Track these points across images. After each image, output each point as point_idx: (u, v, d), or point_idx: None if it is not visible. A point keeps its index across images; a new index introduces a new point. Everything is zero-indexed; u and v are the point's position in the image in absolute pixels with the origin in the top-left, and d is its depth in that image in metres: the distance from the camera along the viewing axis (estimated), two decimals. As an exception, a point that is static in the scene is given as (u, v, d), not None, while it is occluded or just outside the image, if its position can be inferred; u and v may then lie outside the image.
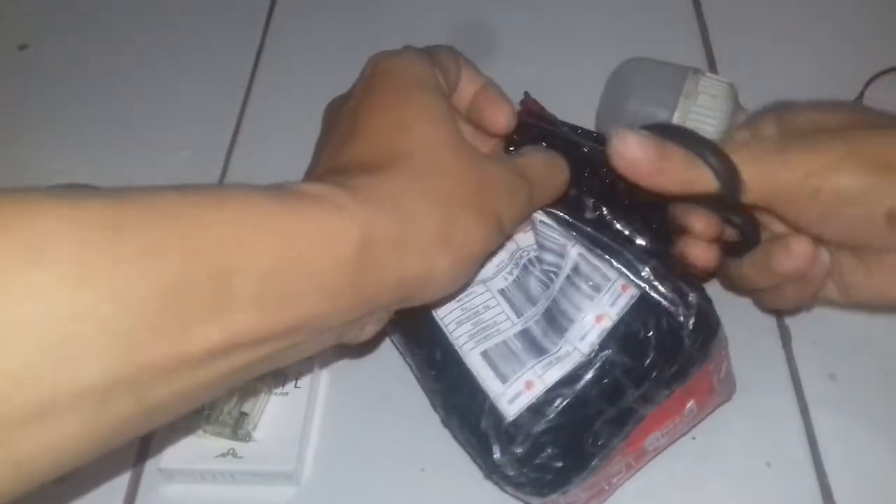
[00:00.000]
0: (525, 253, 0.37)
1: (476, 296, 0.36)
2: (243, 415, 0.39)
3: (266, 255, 0.24)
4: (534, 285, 0.36)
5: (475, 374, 0.35)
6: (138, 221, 0.22)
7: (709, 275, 0.39)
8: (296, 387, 0.41)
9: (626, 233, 0.36)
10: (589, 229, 0.36)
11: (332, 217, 0.26)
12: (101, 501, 0.40)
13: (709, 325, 0.35)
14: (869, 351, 0.42)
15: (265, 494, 0.39)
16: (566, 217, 0.36)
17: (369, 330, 0.31)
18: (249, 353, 0.24)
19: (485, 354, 0.35)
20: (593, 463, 0.34)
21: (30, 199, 0.20)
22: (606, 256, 0.35)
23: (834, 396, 0.41)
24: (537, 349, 0.34)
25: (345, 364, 0.44)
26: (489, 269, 0.37)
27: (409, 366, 0.40)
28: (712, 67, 0.56)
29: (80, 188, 0.24)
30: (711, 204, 0.34)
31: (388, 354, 0.43)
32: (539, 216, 0.36)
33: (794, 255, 0.33)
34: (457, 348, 0.35)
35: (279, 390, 0.41)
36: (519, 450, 0.33)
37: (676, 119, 0.45)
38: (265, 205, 0.25)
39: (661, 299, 0.34)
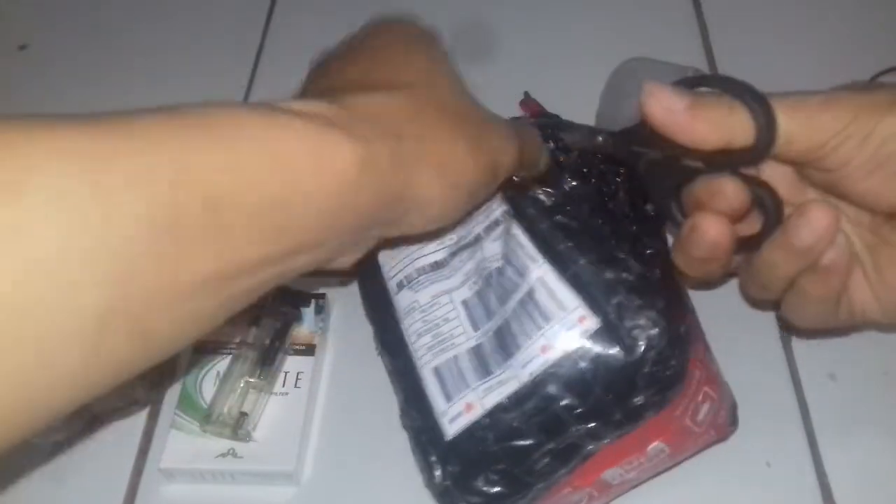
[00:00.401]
0: (488, 263, 0.36)
1: (440, 307, 0.36)
2: (243, 415, 0.39)
3: (260, 182, 0.23)
4: (493, 299, 0.35)
5: (426, 389, 0.35)
6: (124, 149, 0.21)
7: (708, 279, 0.37)
8: (296, 387, 0.41)
9: (607, 254, 0.33)
10: (563, 247, 0.34)
11: (329, 137, 0.25)
12: (101, 501, 0.40)
13: (670, 372, 0.32)
14: (869, 351, 0.42)
15: (265, 494, 0.39)
16: (545, 232, 0.34)
17: (350, 258, 0.30)
18: (245, 280, 0.24)
19: (436, 370, 0.35)
20: (532, 492, 0.33)
21: (6, 128, 0.20)
22: (570, 284, 0.33)
23: (834, 396, 0.41)
24: (484, 369, 0.34)
25: (345, 364, 0.44)
26: (457, 278, 0.37)
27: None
28: (712, 67, 0.56)
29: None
30: (744, 160, 0.32)
31: (388, 354, 0.44)
32: (514, 227, 0.35)
33: (813, 221, 0.31)
34: (415, 360, 0.36)
35: (279, 390, 0.41)
36: (455, 470, 0.33)
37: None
38: (257, 126, 0.24)
39: (621, 336, 0.32)
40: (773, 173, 0.34)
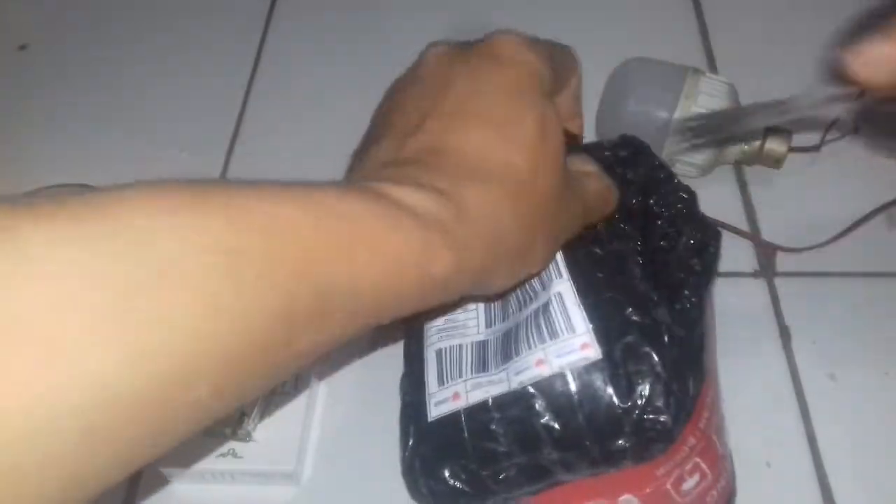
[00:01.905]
0: None
1: None
2: (243, 415, 0.39)
3: (366, 276, 0.24)
4: (514, 303, 0.35)
5: (425, 367, 0.35)
6: (259, 244, 0.21)
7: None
8: (296, 387, 0.41)
9: (636, 296, 0.33)
10: (592, 276, 0.33)
11: (436, 246, 0.25)
12: (101, 501, 0.39)
13: (659, 427, 0.31)
14: (869, 351, 0.42)
15: (265, 494, 0.39)
16: (580, 255, 0.34)
17: None
18: (329, 348, 0.25)
19: (438, 353, 0.35)
20: (492, 500, 0.33)
21: (154, 212, 0.20)
22: (586, 310, 0.32)
23: (834, 396, 0.41)
24: (481, 366, 0.34)
25: (345, 363, 0.44)
26: None
27: None
28: (712, 67, 0.56)
29: (78, 189, 0.23)
30: None
31: (388, 355, 0.43)
32: None
33: None
34: (424, 338, 0.36)
35: (279, 390, 0.41)
36: (426, 451, 0.33)
37: (676, 119, 0.45)
38: (376, 229, 0.24)
39: (620, 377, 0.31)
40: None
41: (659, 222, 0.36)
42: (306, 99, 0.58)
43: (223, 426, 0.38)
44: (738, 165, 0.50)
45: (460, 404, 0.33)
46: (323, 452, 0.40)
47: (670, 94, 0.45)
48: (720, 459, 0.34)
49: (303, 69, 0.60)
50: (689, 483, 0.33)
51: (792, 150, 0.47)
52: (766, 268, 0.46)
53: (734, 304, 0.43)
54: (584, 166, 0.34)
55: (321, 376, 0.43)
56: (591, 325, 0.32)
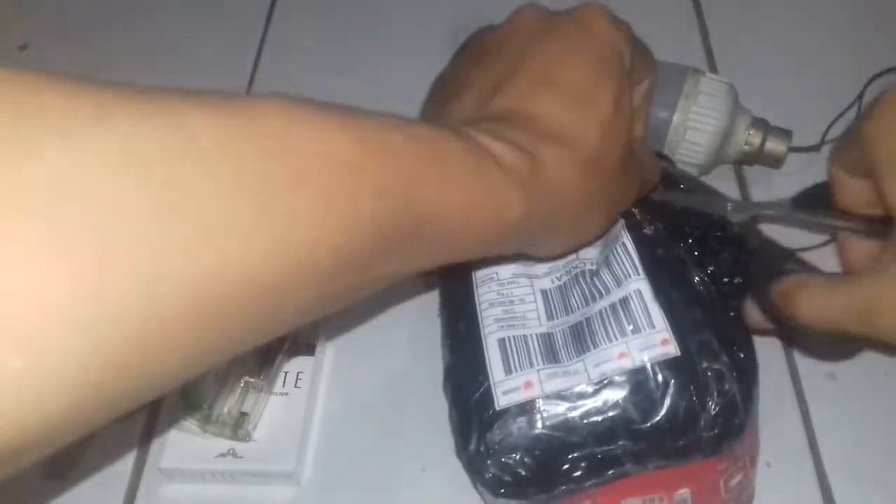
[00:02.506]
0: (581, 264, 0.37)
1: (518, 286, 0.37)
2: (243, 415, 0.39)
3: (454, 210, 0.26)
4: (576, 297, 0.36)
5: (486, 355, 0.35)
6: (377, 164, 0.23)
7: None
8: (296, 387, 0.41)
9: (700, 297, 0.35)
10: (663, 274, 0.35)
11: (513, 195, 0.28)
12: (101, 501, 0.40)
13: (731, 424, 0.32)
14: (869, 351, 0.42)
15: (265, 494, 0.39)
16: (650, 255, 0.35)
17: None
18: (405, 276, 0.27)
19: (502, 341, 0.35)
20: (556, 491, 0.33)
21: (286, 127, 0.21)
22: (661, 307, 0.34)
23: (834, 396, 0.41)
24: (552, 356, 0.34)
25: (345, 364, 0.44)
26: (541, 268, 0.37)
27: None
28: (712, 67, 0.56)
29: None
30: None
31: (388, 354, 0.44)
32: (624, 238, 0.36)
33: None
34: (481, 327, 0.36)
35: (279, 390, 0.41)
36: (493, 440, 0.33)
37: (676, 119, 0.45)
38: (468, 169, 0.26)
39: (697, 373, 0.32)
40: None
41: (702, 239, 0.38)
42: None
43: (223, 426, 0.38)
44: (738, 165, 0.50)
45: (534, 393, 0.33)
46: (323, 452, 0.40)
47: (670, 94, 0.45)
48: (754, 463, 0.36)
49: (303, 69, 0.60)
50: (735, 480, 0.34)
51: (792, 149, 0.47)
52: (766, 268, 0.46)
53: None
54: (643, 149, 0.37)
55: (329, 337, 0.43)
56: (669, 323, 0.33)
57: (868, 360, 0.41)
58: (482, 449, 0.33)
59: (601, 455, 0.32)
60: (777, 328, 0.37)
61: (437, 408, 0.41)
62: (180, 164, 0.18)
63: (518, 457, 0.32)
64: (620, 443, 0.32)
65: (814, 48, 0.56)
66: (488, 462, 0.33)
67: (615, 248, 0.36)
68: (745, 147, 0.47)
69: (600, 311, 0.34)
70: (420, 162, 0.25)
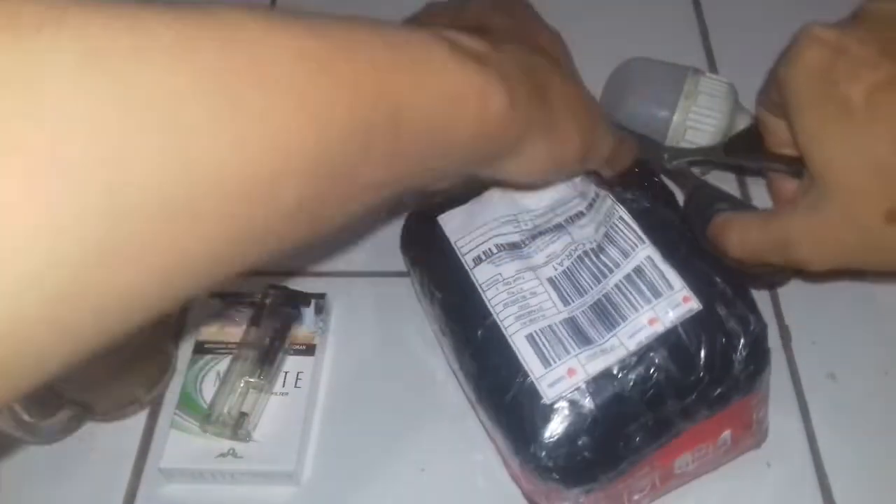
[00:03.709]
0: (580, 246, 0.37)
1: (525, 281, 0.37)
2: (243, 415, 0.39)
3: (436, 109, 0.25)
4: (585, 277, 0.36)
5: (518, 354, 0.35)
6: (343, 58, 0.22)
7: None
8: (296, 387, 0.41)
9: (699, 251, 0.37)
10: (672, 234, 0.36)
11: (493, 82, 0.27)
12: (101, 501, 0.40)
13: (761, 358, 0.35)
14: (869, 351, 0.42)
15: (265, 494, 0.39)
16: (647, 222, 0.37)
17: (444, 185, 0.33)
18: (390, 190, 0.26)
19: (530, 337, 0.35)
20: (622, 465, 0.33)
21: (248, 22, 0.21)
22: (676, 267, 0.35)
23: (834, 396, 0.41)
24: (583, 338, 0.34)
25: (345, 364, 0.44)
26: (540, 257, 0.38)
27: (442, 345, 0.40)
28: (712, 67, 0.56)
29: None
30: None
31: (388, 354, 0.44)
32: (619, 212, 0.37)
33: None
34: (503, 329, 0.35)
35: (279, 390, 0.41)
36: (552, 433, 0.33)
37: (676, 119, 0.45)
38: (442, 60, 0.26)
39: (721, 320, 0.34)
40: None
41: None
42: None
43: (223, 426, 0.38)
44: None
45: (580, 378, 0.33)
46: (323, 452, 0.40)
47: (670, 94, 0.45)
48: (768, 387, 0.37)
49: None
50: (761, 412, 0.37)
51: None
52: (766, 268, 0.46)
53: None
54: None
55: (329, 337, 0.43)
56: (685, 281, 0.35)
57: (868, 360, 0.41)
58: (544, 445, 0.33)
59: (655, 420, 0.33)
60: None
61: (438, 408, 0.41)
62: (138, 61, 0.18)
63: (580, 443, 0.33)
64: (669, 403, 0.33)
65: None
66: (554, 456, 0.33)
67: (613, 223, 0.37)
68: (745, 147, 0.47)
69: (617, 285, 0.35)
70: (395, 56, 0.24)
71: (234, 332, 0.42)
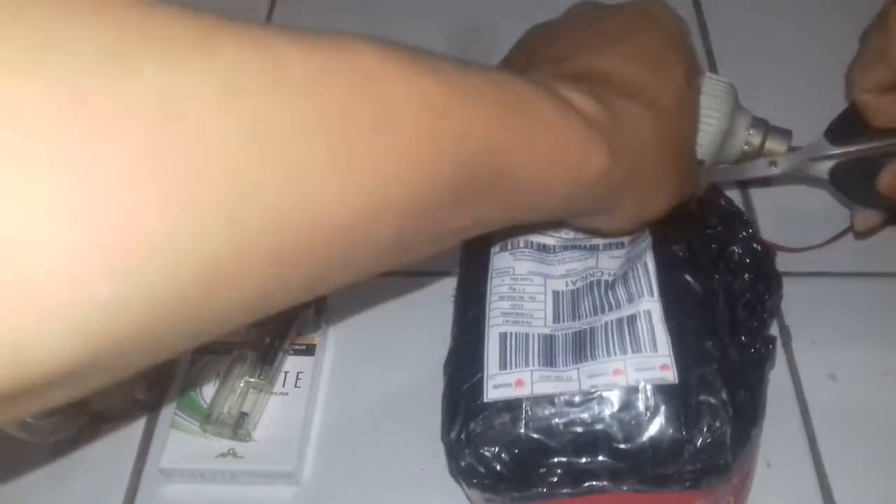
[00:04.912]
0: (599, 273, 0.36)
1: (531, 284, 0.37)
2: (243, 415, 0.39)
3: (534, 160, 0.25)
4: (586, 304, 0.35)
5: (486, 347, 0.35)
6: (459, 107, 0.22)
7: None
8: (296, 387, 0.41)
9: (715, 330, 0.34)
10: (681, 300, 0.34)
11: (595, 140, 0.27)
12: (101, 501, 0.40)
13: (717, 460, 0.31)
14: (869, 351, 0.42)
15: (265, 494, 0.39)
16: (672, 278, 0.35)
17: None
18: (477, 232, 0.27)
19: (503, 335, 0.35)
20: (531, 493, 0.33)
21: (373, 57, 0.21)
22: (669, 333, 0.33)
23: (834, 396, 0.41)
24: (548, 359, 0.34)
25: (345, 364, 0.44)
26: (558, 269, 0.37)
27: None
28: (712, 67, 0.56)
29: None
30: None
31: (388, 354, 0.44)
32: (648, 256, 0.36)
33: None
34: (487, 317, 0.36)
35: (279, 390, 0.41)
36: (474, 430, 0.33)
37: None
38: (548, 111, 0.26)
39: (687, 404, 0.31)
40: None
41: (732, 265, 0.38)
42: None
43: (223, 426, 0.38)
44: (738, 165, 0.50)
45: (524, 392, 0.33)
46: (323, 452, 0.40)
47: (670, 94, 0.45)
48: (744, 499, 0.35)
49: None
50: None
51: (792, 149, 0.47)
52: (766, 268, 0.46)
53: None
54: None
55: (329, 337, 0.43)
56: (673, 350, 0.32)
57: (868, 360, 0.41)
58: (462, 437, 0.33)
59: (579, 467, 0.32)
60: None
61: (437, 408, 0.41)
62: (270, 96, 0.18)
63: (496, 451, 0.32)
64: (600, 458, 0.32)
65: (814, 48, 0.56)
66: (466, 451, 0.33)
67: (636, 264, 0.35)
68: (745, 147, 0.47)
69: (606, 324, 0.34)
70: (504, 109, 0.24)
71: (233, 332, 0.42)
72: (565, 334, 0.35)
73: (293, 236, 0.19)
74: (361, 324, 0.45)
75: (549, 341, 0.35)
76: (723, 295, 0.36)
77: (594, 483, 0.32)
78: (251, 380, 0.40)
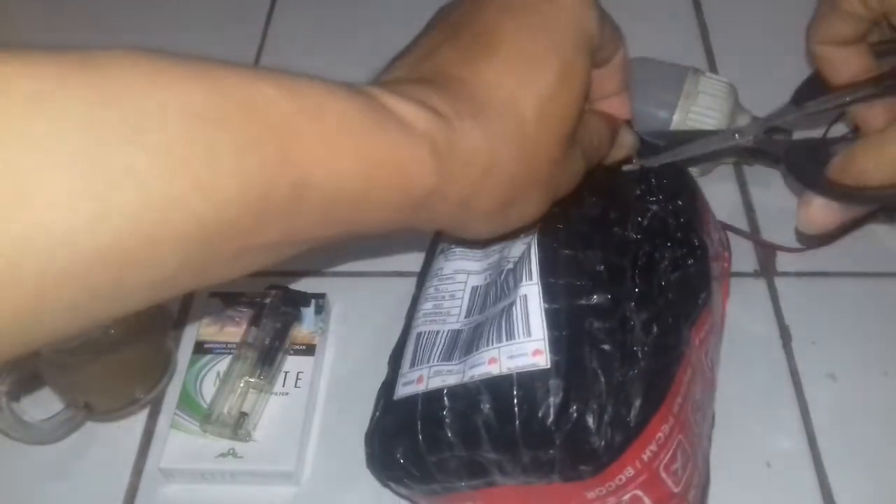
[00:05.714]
0: (506, 262, 0.35)
1: (454, 283, 0.37)
2: (243, 415, 0.39)
3: (346, 178, 0.23)
4: (492, 295, 0.35)
5: (406, 347, 0.36)
6: (239, 117, 0.21)
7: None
8: (296, 387, 0.41)
9: (601, 312, 0.32)
10: (563, 280, 0.33)
11: (420, 156, 0.25)
12: (101, 501, 0.40)
13: (583, 448, 0.30)
14: (869, 351, 0.42)
15: (265, 494, 0.39)
16: (556, 257, 0.33)
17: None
18: (299, 247, 0.25)
19: (419, 335, 0.36)
20: (434, 485, 0.33)
21: (129, 67, 0.19)
22: (546, 317, 0.32)
23: (834, 396, 0.41)
24: (448, 354, 0.34)
25: (345, 364, 0.44)
26: (482, 264, 0.37)
27: None
28: (712, 67, 0.56)
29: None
30: None
31: (387, 354, 0.43)
32: (532, 239, 0.34)
33: None
34: (414, 318, 0.37)
35: (279, 390, 0.41)
36: (381, 427, 0.34)
37: (676, 119, 0.45)
38: (360, 125, 0.23)
39: (557, 392, 0.30)
40: None
41: (651, 236, 0.35)
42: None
43: (223, 426, 0.38)
44: (738, 165, 0.50)
45: (420, 388, 0.33)
46: (323, 452, 0.40)
47: (670, 94, 0.45)
48: (671, 499, 0.33)
49: (303, 69, 0.60)
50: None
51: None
52: (766, 268, 0.46)
53: (734, 303, 0.43)
54: (595, 118, 0.33)
55: (328, 337, 0.43)
56: (548, 333, 0.31)
57: (868, 360, 0.41)
58: (376, 437, 0.34)
59: (467, 458, 0.32)
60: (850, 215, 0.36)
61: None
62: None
63: (402, 448, 0.33)
64: (483, 449, 0.31)
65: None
66: (375, 448, 0.34)
67: (526, 249, 0.34)
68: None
69: (497, 313, 0.33)
70: (298, 116, 0.22)
71: (234, 332, 0.42)
72: (469, 328, 0.35)
73: (34, 271, 0.18)
74: (361, 324, 0.45)
75: (455, 337, 0.35)
76: (630, 271, 0.34)
77: (487, 476, 0.32)
78: (251, 380, 0.40)
